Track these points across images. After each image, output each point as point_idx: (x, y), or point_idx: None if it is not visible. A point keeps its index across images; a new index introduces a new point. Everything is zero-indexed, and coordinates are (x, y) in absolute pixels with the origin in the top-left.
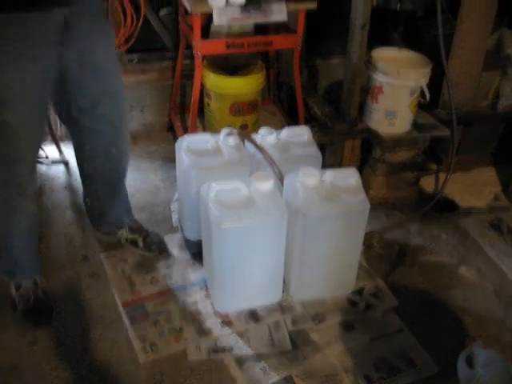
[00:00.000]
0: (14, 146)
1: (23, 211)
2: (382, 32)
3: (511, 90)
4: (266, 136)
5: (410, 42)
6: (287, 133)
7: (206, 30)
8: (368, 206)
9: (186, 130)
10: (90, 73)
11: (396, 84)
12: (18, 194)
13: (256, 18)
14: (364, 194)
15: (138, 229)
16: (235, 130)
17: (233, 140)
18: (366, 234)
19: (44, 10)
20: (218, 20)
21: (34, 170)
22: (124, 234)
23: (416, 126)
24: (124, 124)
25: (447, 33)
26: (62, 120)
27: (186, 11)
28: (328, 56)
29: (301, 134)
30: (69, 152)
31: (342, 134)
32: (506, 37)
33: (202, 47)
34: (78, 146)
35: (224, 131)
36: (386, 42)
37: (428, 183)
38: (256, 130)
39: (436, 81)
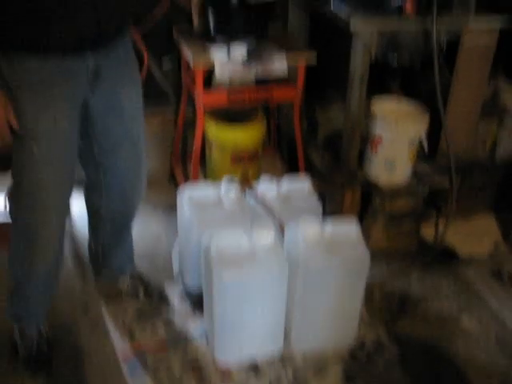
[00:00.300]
0: (41, 182)
1: (46, 259)
2: (380, 82)
3: (509, 139)
4: (266, 186)
5: (408, 91)
6: (288, 183)
7: (208, 79)
8: (368, 258)
9: (187, 179)
10: (115, 117)
11: (395, 135)
12: (41, 237)
13: (257, 70)
14: (365, 246)
15: (138, 277)
16: (236, 180)
17: (234, 191)
18: (367, 284)
19: (78, 53)
20: (220, 74)
21: (61, 218)
22: (125, 282)
23: (415, 175)
24: (142, 170)
25: (444, 83)
26: (80, 159)
27: (188, 64)
28: (327, 105)
29: (301, 184)
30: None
31: (341, 183)
32: (501, 86)
33: (204, 100)
34: (94, 185)
35: (225, 181)
36: (385, 91)
37: (428, 232)
38: (257, 179)
39: (434, 130)
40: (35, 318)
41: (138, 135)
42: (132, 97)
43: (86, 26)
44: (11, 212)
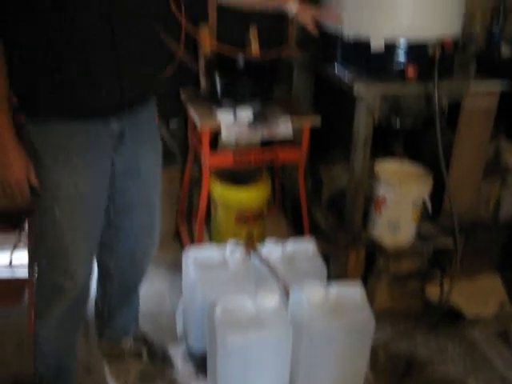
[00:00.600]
0: (64, 245)
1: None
2: (383, 143)
3: (511, 199)
4: (271, 248)
5: (412, 152)
6: (292, 245)
7: (214, 140)
8: (373, 322)
9: (192, 238)
10: (133, 179)
11: (399, 197)
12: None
13: (262, 133)
14: (369, 309)
15: (142, 338)
16: (241, 243)
17: (239, 253)
18: (372, 345)
19: (103, 118)
20: (226, 136)
21: (85, 281)
22: (128, 342)
23: (419, 235)
24: (155, 232)
25: (446, 143)
26: None
27: (195, 124)
28: (331, 164)
29: (306, 246)
30: None
31: (346, 245)
32: (503, 146)
33: (210, 161)
34: (107, 244)
35: (230, 244)
36: (388, 152)
37: (433, 292)
38: (262, 238)
39: (438, 190)
40: None
41: (154, 198)
42: (151, 159)
43: (110, 93)
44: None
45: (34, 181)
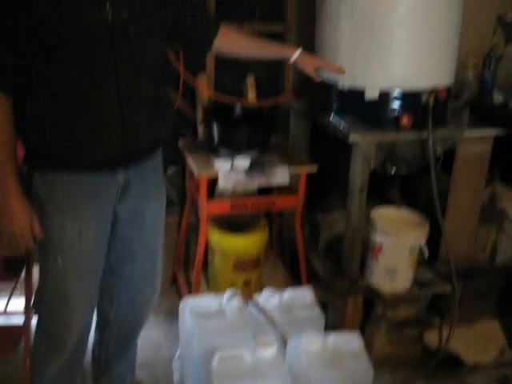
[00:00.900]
0: (66, 292)
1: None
2: (379, 189)
3: (508, 243)
4: (268, 297)
5: (407, 197)
6: (290, 294)
7: (212, 187)
8: (372, 371)
9: (189, 286)
10: (136, 230)
11: (395, 243)
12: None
13: (259, 181)
14: (367, 359)
15: None
16: (239, 293)
17: (236, 302)
18: None
19: (110, 170)
20: (223, 184)
21: (85, 328)
22: None
23: (417, 282)
24: (157, 281)
25: (442, 187)
26: None
27: (192, 171)
28: (328, 209)
29: (303, 295)
30: None
31: (343, 292)
32: (498, 191)
33: (207, 208)
34: (107, 291)
35: (228, 293)
36: (384, 197)
37: (432, 338)
38: (259, 286)
39: (434, 235)
40: None
41: (156, 248)
42: (155, 210)
43: (116, 148)
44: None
45: (38, 231)
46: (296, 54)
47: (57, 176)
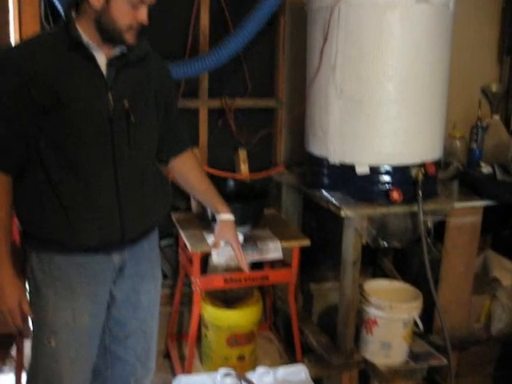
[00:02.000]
0: (57, 373)
1: None
2: (372, 260)
3: (502, 312)
4: (263, 375)
5: (400, 267)
6: (284, 371)
7: (205, 260)
8: None
9: (182, 360)
10: (131, 310)
11: (390, 317)
12: None
13: (253, 256)
14: None
15: None
16: (233, 372)
17: (230, 380)
18: None
19: (106, 253)
20: (216, 259)
21: None
22: None
23: (412, 355)
24: (151, 362)
25: (434, 257)
26: None
27: (185, 245)
28: (322, 281)
29: (298, 372)
30: None
31: (338, 366)
32: (491, 259)
33: (200, 283)
34: (99, 371)
35: (221, 372)
36: (377, 267)
37: None
38: (253, 360)
39: (428, 306)
40: None
41: (151, 327)
42: (151, 291)
43: (112, 231)
44: None
45: (27, 310)
46: (223, 217)
47: (52, 257)
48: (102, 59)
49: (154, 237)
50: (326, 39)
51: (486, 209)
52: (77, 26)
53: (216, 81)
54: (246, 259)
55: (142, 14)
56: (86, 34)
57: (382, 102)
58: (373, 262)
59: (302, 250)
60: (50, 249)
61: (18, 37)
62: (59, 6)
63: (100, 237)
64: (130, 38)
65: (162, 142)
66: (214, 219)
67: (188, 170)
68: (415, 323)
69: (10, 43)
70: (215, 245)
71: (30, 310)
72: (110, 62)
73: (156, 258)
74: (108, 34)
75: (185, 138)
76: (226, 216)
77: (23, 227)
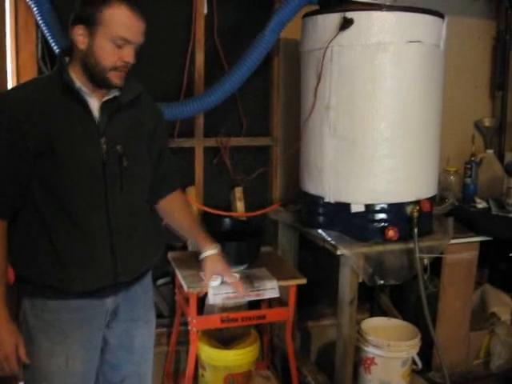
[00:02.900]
0: None
1: None
2: (369, 296)
3: (502, 348)
4: None
5: (397, 303)
6: None
7: (202, 298)
8: None
9: None
10: (125, 354)
11: (388, 356)
12: None
13: (250, 295)
14: None
15: None
16: None
17: None
18: None
19: (99, 298)
20: (212, 300)
21: None
22: None
23: None
24: None
25: (431, 292)
26: None
27: (182, 285)
28: (319, 318)
29: None
30: None
31: None
32: (488, 293)
33: (197, 323)
34: None
35: None
36: (374, 304)
37: None
38: None
39: (427, 342)
40: None
41: (145, 371)
42: (144, 335)
43: (105, 276)
44: None
45: (24, 356)
46: (207, 253)
47: (45, 302)
48: (94, 104)
49: (147, 280)
50: (319, 79)
51: (483, 242)
52: (70, 71)
53: (211, 119)
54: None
55: (128, 54)
56: (78, 79)
57: (375, 140)
58: (370, 299)
59: (299, 287)
60: (43, 294)
61: (15, 79)
62: (55, 48)
63: (93, 281)
64: (114, 78)
65: (151, 184)
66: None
67: (174, 209)
68: (414, 361)
69: (7, 87)
70: (204, 286)
71: (26, 356)
72: (103, 107)
73: (149, 301)
74: (94, 76)
75: (174, 178)
76: (210, 251)
77: (16, 272)
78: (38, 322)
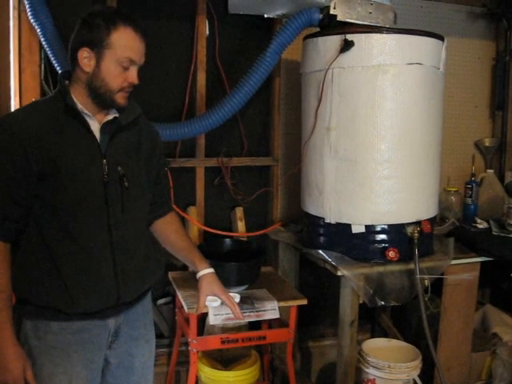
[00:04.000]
0: None
1: None
2: (370, 316)
3: (504, 370)
4: None
5: (398, 323)
6: None
7: (202, 319)
8: None
9: None
10: (124, 374)
11: (389, 378)
12: None
13: (250, 316)
14: None
15: None
16: None
17: None
18: None
19: (101, 319)
20: (213, 320)
21: None
22: None
23: None
24: None
25: (433, 312)
26: None
27: (182, 305)
28: (320, 338)
29: None
30: None
31: None
32: (490, 314)
33: (197, 344)
34: None
35: None
36: (375, 324)
37: None
38: None
39: (428, 364)
40: None
41: None
42: (144, 355)
43: (107, 297)
44: None
45: (32, 380)
46: (203, 272)
47: (48, 324)
48: (95, 125)
49: (147, 300)
50: (320, 101)
51: (484, 262)
52: (71, 93)
53: (212, 140)
54: (238, 307)
55: (133, 75)
56: (80, 101)
57: (375, 161)
58: (371, 319)
59: (300, 307)
60: (45, 315)
61: (18, 99)
62: (58, 69)
63: (96, 302)
64: (120, 99)
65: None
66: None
67: (170, 230)
68: (415, 382)
69: (10, 107)
70: (200, 307)
71: (34, 379)
72: (103, 128)
73: (150, 320)
74: (99, 98)
75: (168, 199)
76: (205, 271)
77: (18, 293)
78: (40, 344)
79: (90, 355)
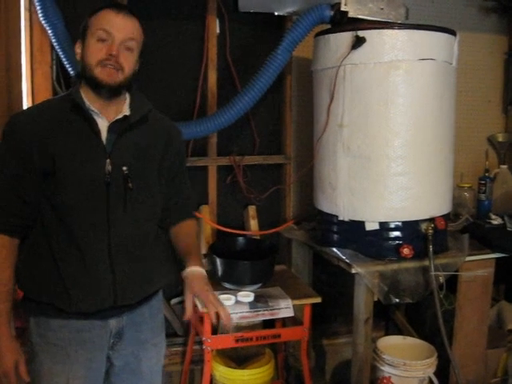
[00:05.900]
0: None
1: None
2: (384, 314)
3: None
4: None
5: (413, 320)
6: None
7: (216, 319)
8: None
9: None
10: (132, 377)
11: (404, 375)
12: None
13: (264, 315)
14: None
15: None
16: None
17: None
18: None
19: (101, 319)
20: None
21: None
22: None
23: None
24: None
25: (447, 309)
26: None
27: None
28: (334, 336)
29: None
30: None
31: None
32: (505, 310)
33: (211, 343)
34: None
35: None
36: (389, 322)
37: None
38: None
39: (443, 361)
40: None
41: None
42: (152, 359)
43: (105, 298)
44: None
45: (24, 374)
46: (189, 269)
47: (48, 321)
48: (103, 124)
49: (156, 303)
50: (332, 98)
51: (499, 258)
52: (81, 92)
53: (224, 138)
54: (226, 311)
55: (111, 47)
56: (88, 98)
57: (388, 158)
58: (385, 316)
59: (314, 305)
60: (46, 313)
61: (30, 100)
62: (70, 69)
63: (92, 303)
64: (102, 75)
65: (163, 210)
66: (223, 279)
67: (180, 233)
68: (431, 380)
69: (22, 107)
70: (187, 311)
71: (26, 373)
72: (111, 127)
73: (159, 324)
74: (89, 82)
75: (188, 204)
76: (192, 268)
77: (22, 290)
78: (41, 341)
79: (89, 355)
